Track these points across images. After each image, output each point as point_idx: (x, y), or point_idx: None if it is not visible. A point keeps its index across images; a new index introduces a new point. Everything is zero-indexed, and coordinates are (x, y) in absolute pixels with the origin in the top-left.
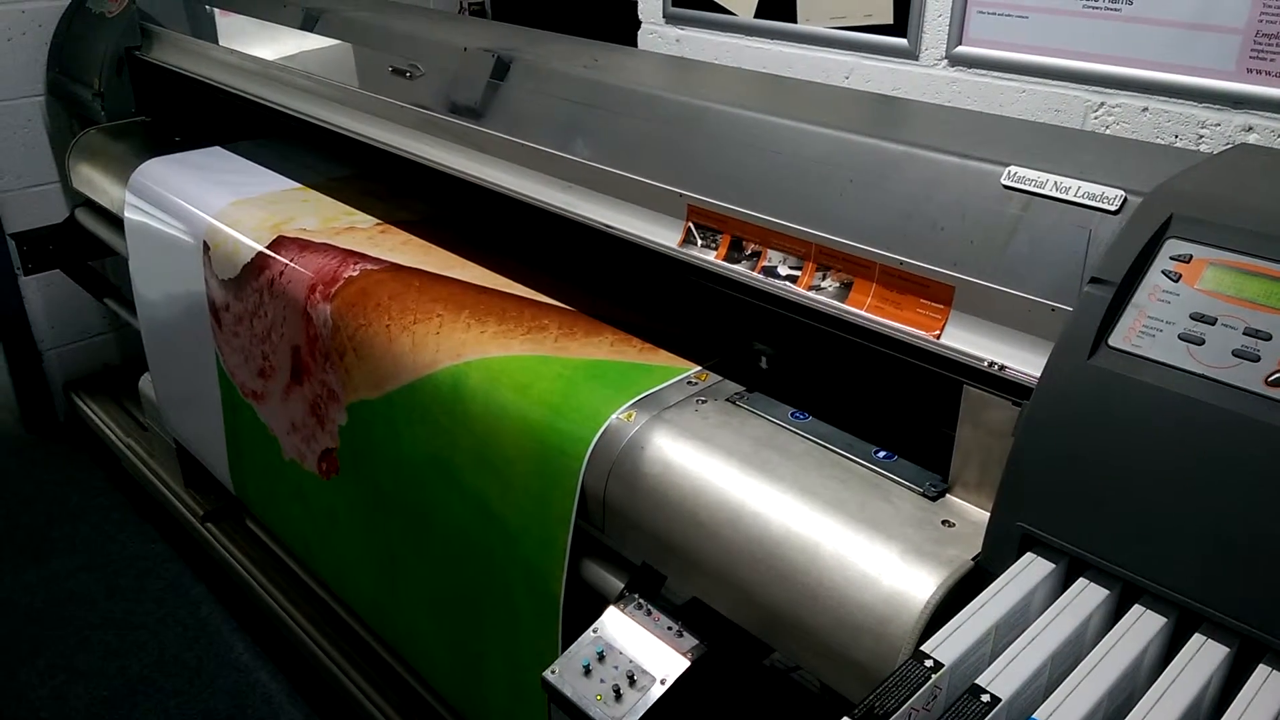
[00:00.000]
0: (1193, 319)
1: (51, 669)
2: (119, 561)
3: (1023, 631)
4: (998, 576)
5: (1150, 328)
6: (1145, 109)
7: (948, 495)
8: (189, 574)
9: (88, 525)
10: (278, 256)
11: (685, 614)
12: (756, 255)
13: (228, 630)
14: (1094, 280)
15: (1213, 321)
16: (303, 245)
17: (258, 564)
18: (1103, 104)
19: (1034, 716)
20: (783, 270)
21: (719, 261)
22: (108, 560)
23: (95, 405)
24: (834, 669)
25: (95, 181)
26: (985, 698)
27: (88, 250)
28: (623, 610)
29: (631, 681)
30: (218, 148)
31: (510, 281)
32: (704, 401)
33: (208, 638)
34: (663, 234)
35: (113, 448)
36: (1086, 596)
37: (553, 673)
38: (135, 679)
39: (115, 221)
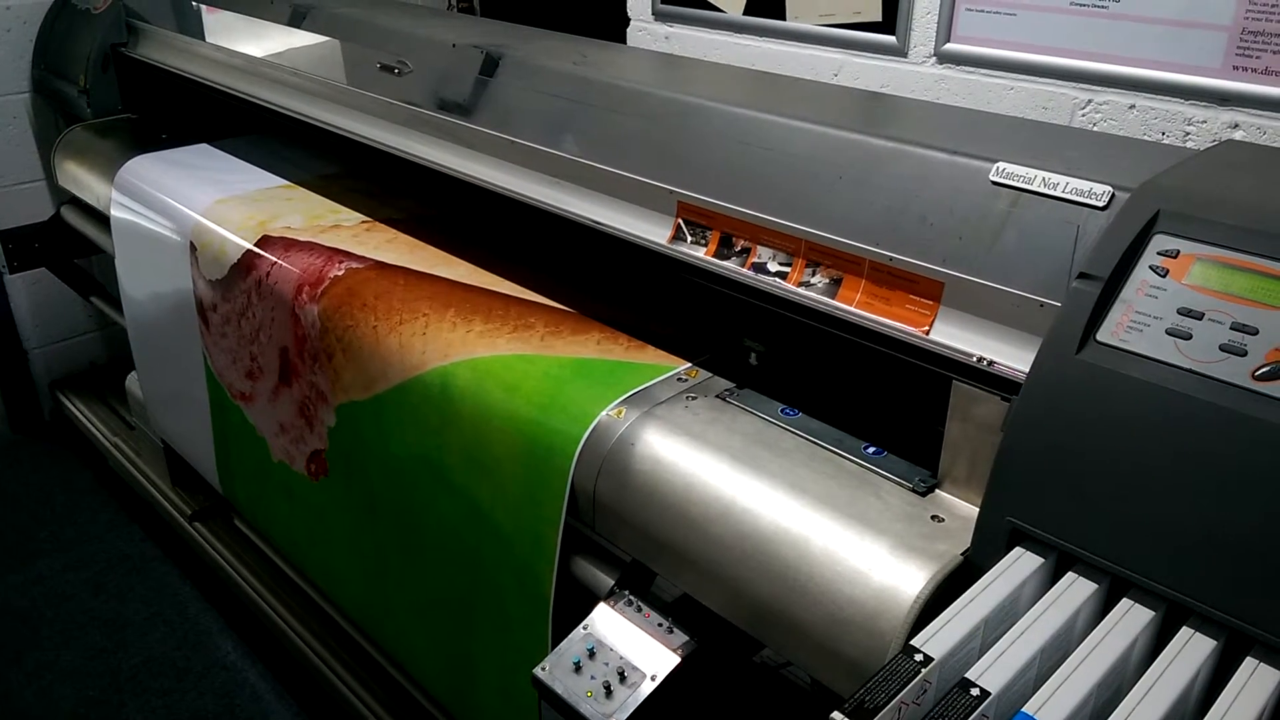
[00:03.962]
0: (1180, 314)
1: (39, 669)
2: (106, 561)
3: (1012, 625)
4: (987, 571)
5: (1138, 322)
6: (1132, 106)
7: (937, 490)
8: (176, 573)
9: (74, 525)
10: (264, 256)
11: (676, 610)
12: (746, 252)
13: (216, 630)
14: (1082, 275)
15: (1200, 316)
16: (288, 244)
17: (246, 563)
18: (1090, 101)
19: (1024, 710)
20: (772, 266)
21: (709, 258)
22: (94, 560)
23: (81, 404)
24: (824, 664)
25: (81, 179)
26: (975, 691)
27: (73, 248)
28: (613, 607)
29: (622, 678)
30: (204, 145)
31: (495, 278)
32: (694, 398)
33: (196, 637)
34: (652, 230)
35: (99, 447)
36: (1075, 590)
37: (543, 670)
38: (123, 679)
39: (101, 219)
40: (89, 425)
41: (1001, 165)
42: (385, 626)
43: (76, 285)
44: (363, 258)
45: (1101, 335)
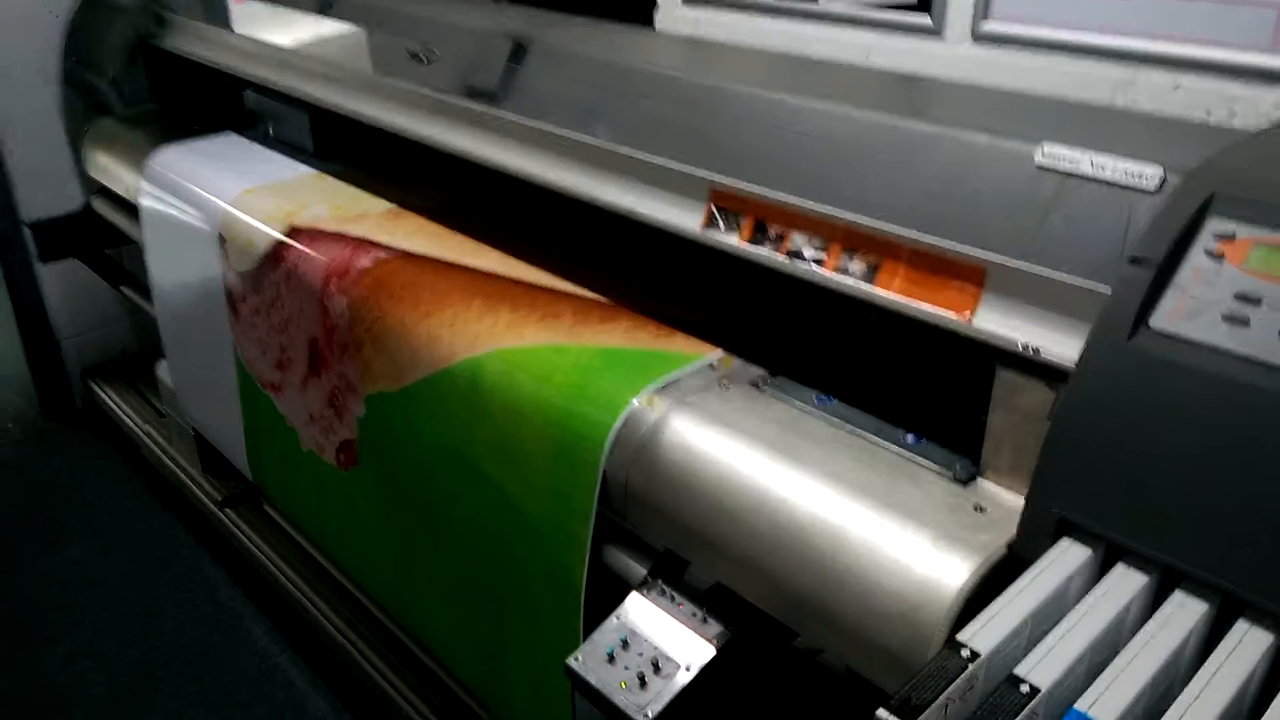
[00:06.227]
0: (1237, 299)
1: (71, 655)
2: (138, 547)
3: (1060, 620)
4: (1032, 563)
5: (1193, 309)
6: (1177, 86)
7: (979, 480)
8: (207, 559)
9: (106, 511)
10: (293, 246)
11: (709, 600)
12: (781, 238)
13: (247, 615)
14: (1133, 260)
15: (1258, 302)
16: (315, 234)
17: (276, 549)
18: (1133, 80)
19: (1075, 707)
20: (808, 253)
21: (743, 244)
22: (126, 546)
23: (113, 392)
24: (863, 656)
25: (111, 169)
26: (1024, 688)
27: (104, 238)
28: (645, 596)
29: (656, 669)
30: (232, 134)
31: (521, 266)
32: (727, 386)
33: (227, 623)
34: (684, 217)
35: (130, 434)
36: (1125, 583)
37: (576, 660)
38: (155, 664)
39: (131, 209)
40: (120, 413)
41: (1047, 147)
42: (415, 617)
43: (107, 275)
44: (390, 248)
45: (1154, 322)
